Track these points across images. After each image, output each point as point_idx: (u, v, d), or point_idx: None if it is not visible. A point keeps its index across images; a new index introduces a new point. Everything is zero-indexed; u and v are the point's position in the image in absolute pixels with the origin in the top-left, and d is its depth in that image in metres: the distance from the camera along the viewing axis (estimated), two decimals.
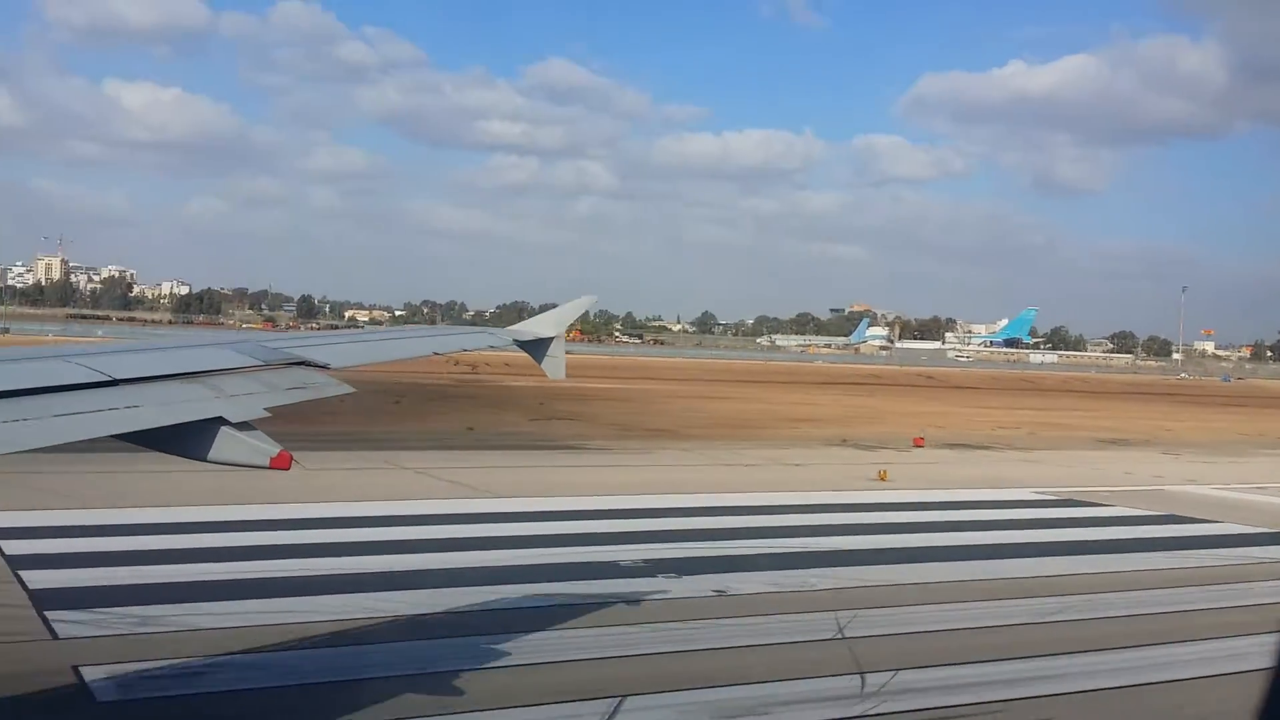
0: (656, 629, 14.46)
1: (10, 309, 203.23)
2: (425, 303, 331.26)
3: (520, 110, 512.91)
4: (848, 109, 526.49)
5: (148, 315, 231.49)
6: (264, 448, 5.65)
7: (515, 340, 10.25)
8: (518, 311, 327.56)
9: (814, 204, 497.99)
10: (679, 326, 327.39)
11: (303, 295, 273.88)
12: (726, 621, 15.01)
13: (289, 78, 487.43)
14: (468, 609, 15.00)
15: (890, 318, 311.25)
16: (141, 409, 5.54)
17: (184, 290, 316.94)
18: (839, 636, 14.21)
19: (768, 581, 17.43)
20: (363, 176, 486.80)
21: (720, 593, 16.63)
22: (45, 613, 13.71)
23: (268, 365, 6.94)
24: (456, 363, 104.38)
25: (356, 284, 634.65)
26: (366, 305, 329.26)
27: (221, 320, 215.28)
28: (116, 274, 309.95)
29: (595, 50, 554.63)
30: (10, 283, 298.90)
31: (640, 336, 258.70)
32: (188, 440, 5.62)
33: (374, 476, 27.47)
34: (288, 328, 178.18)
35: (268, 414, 6.04)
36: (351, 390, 7.20)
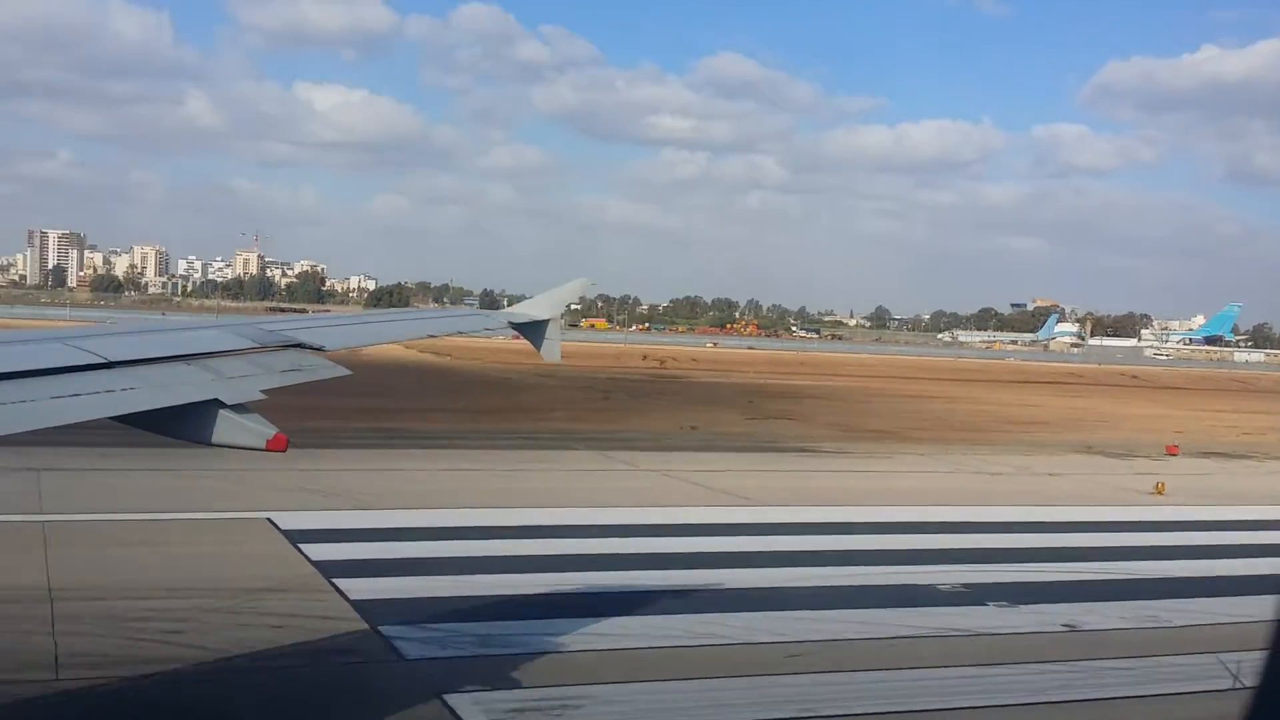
0: (1016, 672, 13.04)
1: (214, 302, 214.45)
2: (600, 296, 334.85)
3: (690, 105, 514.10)
4: (1028, 98, 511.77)
5: (341, 308, 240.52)
6: (260, 430, 5.56)
7: (510, 323, 10.15)
8: (690, 305, 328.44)
9: (991, 196, 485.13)
10: (854, 321, 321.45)
11: (485, 289, 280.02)
12: (1093, 664, 13.45)
13: (468, 78, 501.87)
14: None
15: (1080, 314, 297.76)
16: (138, 391, 5.49)
17: (370, 284, 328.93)
18: (1236, 686, 12.49)
19: (1118, 615, 15.71)
20: (537, 173, 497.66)
21: (1071, 628, 15.01)
22: (380, 628, 13.18)
23: (263, 348, 6.80)
24: (645, 357, 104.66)
25: (531, 278, 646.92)
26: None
27: None
28: (309, 268, 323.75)
29: (766, 43, 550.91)
30: (211, 277, 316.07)
31: (817, 331, 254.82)
32: (184, 422, 5.56)
33: (627, 480, 26.73)
34: None
35: (264, 396, 5.91)
36: (347, 373, 6.93)
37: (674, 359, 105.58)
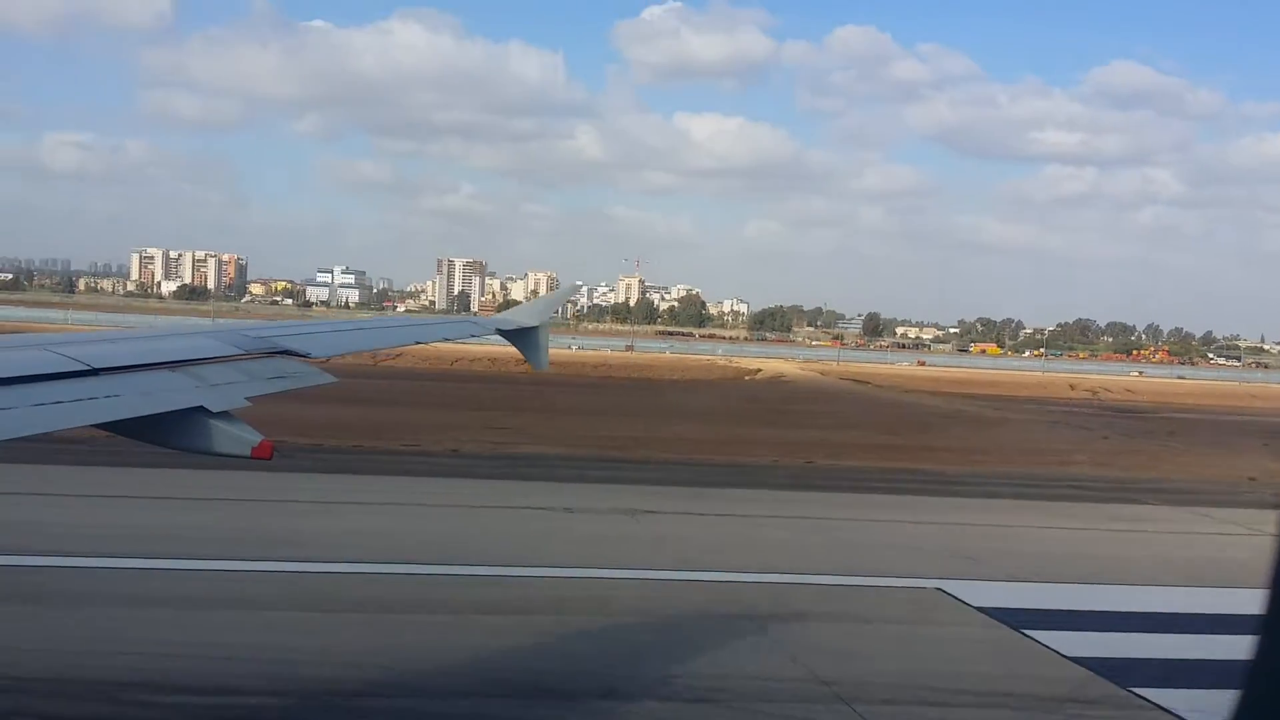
0: None
1: (606, 325, 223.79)
2: (980, 319, 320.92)
3: (1077, 118, 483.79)
4: None
5: (724, 332, 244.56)
6: (246, 437, 5.41)
7: (498, 330, 10.15)
8: (1081, 329, 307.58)
9: None
10: (1275, 348, 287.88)
11: (869, 313, 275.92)
12: None
13: (842, 100, 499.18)
14: None
15: None
16: (122, 398, 5.35)
17: (742, 308, 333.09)
18: None
19: None
20: (910, 194, 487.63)
21: None
22: None
23: (249, 354, 6.61)
24: (1073, 387, 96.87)
25: (905, 300, 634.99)
26: (915, 322, 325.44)
27: (791, 338, 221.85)
28: (686, 293, 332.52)
29: (1163, 49, 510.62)
30: (595, 301, 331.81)
31: (1239, 358, 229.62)
32: (169, 430, 5.42)
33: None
34: (856, 346, 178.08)
35: (248, 403, 5.77)
36: (334, 380, 6.84)
37: (1105, 389, 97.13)
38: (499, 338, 10.40)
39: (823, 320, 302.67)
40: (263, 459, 5.40)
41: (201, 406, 5.50)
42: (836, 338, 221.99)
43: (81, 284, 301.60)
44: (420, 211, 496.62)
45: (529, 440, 35.20)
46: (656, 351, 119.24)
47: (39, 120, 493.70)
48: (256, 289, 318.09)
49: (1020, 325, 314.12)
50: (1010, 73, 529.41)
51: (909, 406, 63.92)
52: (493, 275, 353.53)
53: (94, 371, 5.46)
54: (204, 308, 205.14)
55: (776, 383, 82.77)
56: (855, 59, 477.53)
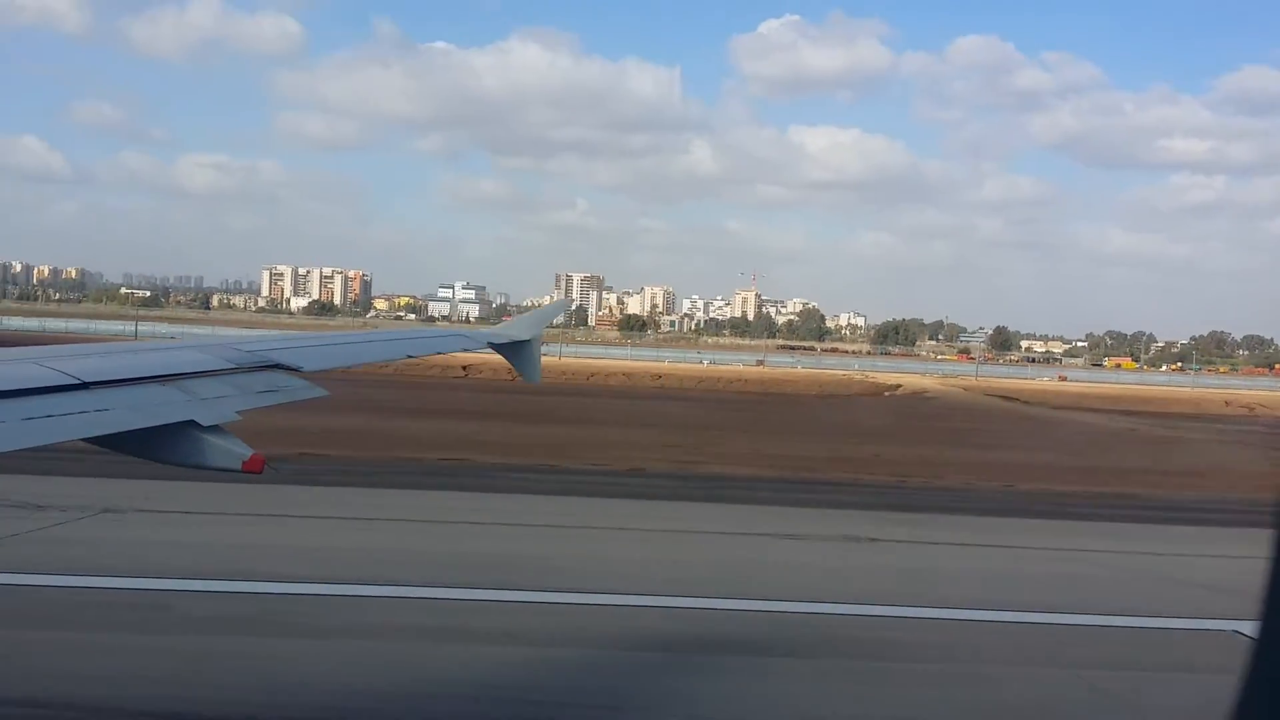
0: None
1: (728, 340, 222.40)
2: (1109, 333, 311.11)
3: (1207, 125, 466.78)
4: None
5: (846, 346, 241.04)
6: (236, 451, 5.35)
7: (491, 343, 10.24)
8: (1217, 343, 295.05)
9: None
10: None
11: (997, 327, 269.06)
12: None
13: (962, 110, 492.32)
14: None
15: None
16: (112, 412, 5.30)
17: (859, 321, 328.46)
18: None
19: None
20: (1030, 204, 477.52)
21: None
22: None
23: (240, 368, 6.56)
24: (1227, 404, 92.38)
25: (1026, 313, 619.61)
26: (1040, 335, 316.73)
27: (915, 352, 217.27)
28: (802, 306, 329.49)
29: None
30: (712, 315, 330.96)
31: None
32: (159, 444, 5.38)
33: None
34: (985, 360, 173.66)
35: (239, 417, 5.73)
36: (325, 394, 6.70)
37: (1261, 405, 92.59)
38: (492, 350, 10.34)
39: (944, 334, 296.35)
40: (253, 473, 5.35)
41: (192, 420, 5.52)
42: (963, 351, 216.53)
43: (215, 300, 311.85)
44: (537, 227, 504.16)
45: (710, 460, 34.19)
46: (787, 366, 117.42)
47: (177, 143, 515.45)
48: (380, 304, 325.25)
49: (1151, 339, 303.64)
50: (1137, 80, 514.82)
51: (1073, 425, 61.29)
52: (609, 290, 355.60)
53: (84, 385, 5.46)
54: (332, 323, 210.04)
55: (921, 398, 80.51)
56: (976, 68, 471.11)
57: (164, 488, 21.81)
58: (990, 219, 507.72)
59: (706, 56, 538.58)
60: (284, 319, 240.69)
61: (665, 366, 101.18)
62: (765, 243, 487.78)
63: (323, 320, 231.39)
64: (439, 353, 10.32)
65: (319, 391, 6.76)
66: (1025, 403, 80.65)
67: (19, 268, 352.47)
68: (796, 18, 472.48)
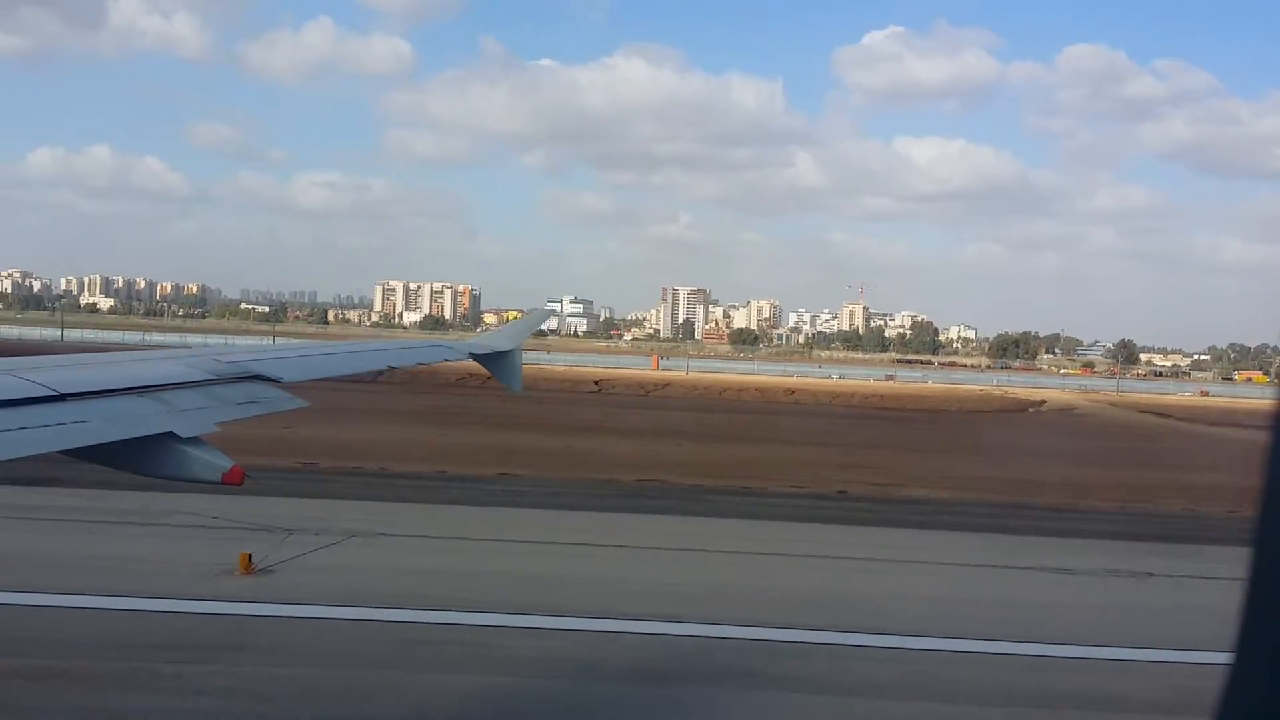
0: None
1: (841, 354, 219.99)
2: (1232, 345, 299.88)
3: None
4: None
5: (964, 360, 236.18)
6: (216, 463, 5.35)
7: (472, 354, 10.39)
8: None
9: None
10: None
11: (1121, 339, 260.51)
12: None
13: (1071, 120, 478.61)
14: None
15: None
16: (89, 424, 5.29)
17: (970, 334, 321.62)
18: None
19: None
20: (1143, 214, 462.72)
21: None
22: None
23: (219, 379, 6.52)
24: None
25: (1140, 324, 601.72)
26: (1159, 348, 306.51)
27: (1036, 365, 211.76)
28: (912, 319, 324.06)
29: None
30: (819, 329, 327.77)
31: None
32: (138, 456, 5.36)
33: None
34: (1110, 374, 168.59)
35: (217, 429, 5.67)
36: (304, 405, 6.62)
37: None
38: (473, 360, 10.49)
39: (1061, 346, 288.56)
40: (233, 484, 5.35)
41: (171, 432, 5.47)
42: (1087, 365, 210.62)
43: (331, 315, 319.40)
44: (640, 241, 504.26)
45: (901, 481, 33.29)
46: (918, 381, 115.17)
47: (291, 162, 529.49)
48: (489, 319, 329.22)
49: (1276, 351, 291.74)
50: (1253, 88, 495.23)
51: (1245, 442, 58.59)
52: (715, 303, 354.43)
53: (61, 397, 5.41)
54: (446, 337, 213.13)
55: (1072, 414, 77.98)
56: (1086, 77, 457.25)
57: (385, 509, 21.68)
58: (1102, 229, 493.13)
59: (810, 69, 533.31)
60: (399, 333, 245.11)
61: (795, 381, 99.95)
62: (870, 255, 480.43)
63: (436, 334, 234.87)
64: (421, 364, 10.43)
65: (299, 403, 6.78)
66: (1179, 419, 77.60)
67: (142, 284, 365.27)
68: (901, 29, 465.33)
